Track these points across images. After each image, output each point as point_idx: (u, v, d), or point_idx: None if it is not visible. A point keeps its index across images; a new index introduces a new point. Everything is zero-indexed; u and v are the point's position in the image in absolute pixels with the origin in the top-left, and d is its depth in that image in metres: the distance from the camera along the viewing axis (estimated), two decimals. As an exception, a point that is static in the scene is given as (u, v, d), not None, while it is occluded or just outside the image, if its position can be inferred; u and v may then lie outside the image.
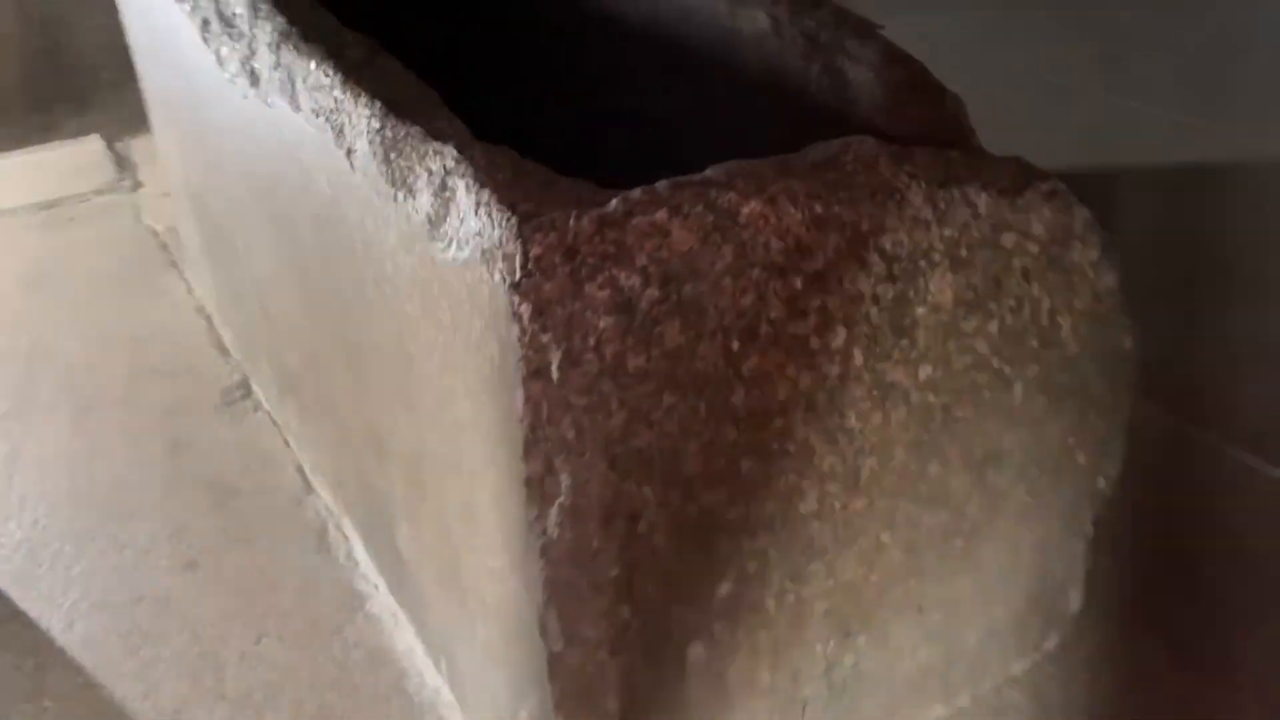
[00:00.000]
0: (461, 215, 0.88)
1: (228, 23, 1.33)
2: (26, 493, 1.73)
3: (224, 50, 1.34)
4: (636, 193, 0.85)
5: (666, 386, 0.87)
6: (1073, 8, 3.88)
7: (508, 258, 0.82)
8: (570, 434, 0.86)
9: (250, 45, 1.28)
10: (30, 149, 2.85)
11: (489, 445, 0.92)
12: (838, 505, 1.08)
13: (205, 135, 1.67)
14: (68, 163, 2.77)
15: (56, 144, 2.85)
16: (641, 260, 0.82)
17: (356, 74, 1.10)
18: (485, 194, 0.89)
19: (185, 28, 1.45)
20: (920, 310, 1.00)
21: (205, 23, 1.39)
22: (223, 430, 1.84)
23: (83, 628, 1.48)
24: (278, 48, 1.20)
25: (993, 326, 1.07)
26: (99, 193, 2.64)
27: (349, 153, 1.05)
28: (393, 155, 0.99)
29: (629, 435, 0.87)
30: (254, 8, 1.29)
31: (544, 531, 0.92)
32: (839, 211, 0.88)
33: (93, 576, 1.56)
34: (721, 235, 0.85)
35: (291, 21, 1.22)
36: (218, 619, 1.48)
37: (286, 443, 1.80)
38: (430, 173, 0.96)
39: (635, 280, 0.81)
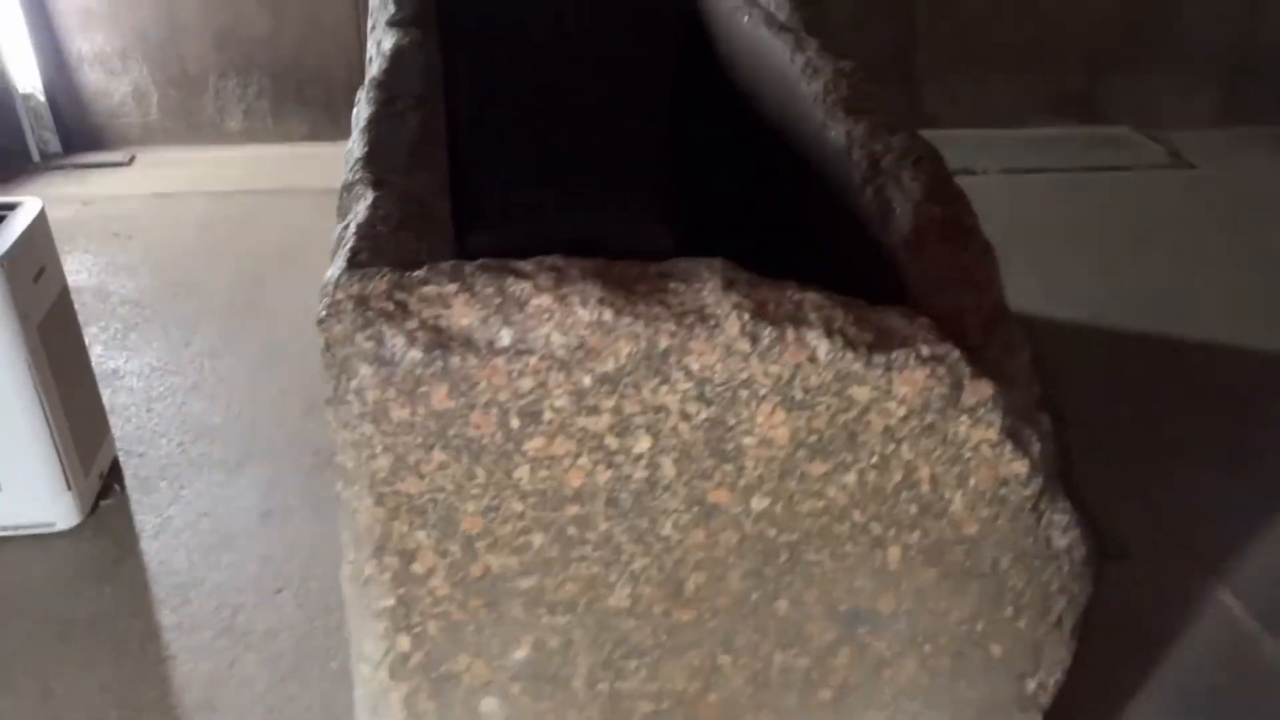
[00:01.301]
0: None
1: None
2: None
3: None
4: (450, 265, 0.93)
5: (436, 444, 0.94)
6: None
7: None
8: (347, 462, 0.96)
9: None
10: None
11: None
12: (656, 610, 1.09)
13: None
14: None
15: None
16: (413, 324, 0.90)
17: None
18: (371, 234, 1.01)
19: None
20: (747, 440, 0.99)
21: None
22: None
23: None
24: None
25: (849, 478, 1.04)
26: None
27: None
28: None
29: (395, 479, 0.96)
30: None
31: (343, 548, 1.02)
32: (631, 323, 0.91)
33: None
34: (503, 320, 0.91)
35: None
36: None
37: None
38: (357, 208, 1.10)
39: (400, 340, 0.90)
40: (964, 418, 1.02)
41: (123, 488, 2.04)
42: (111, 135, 3.70)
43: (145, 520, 1.97)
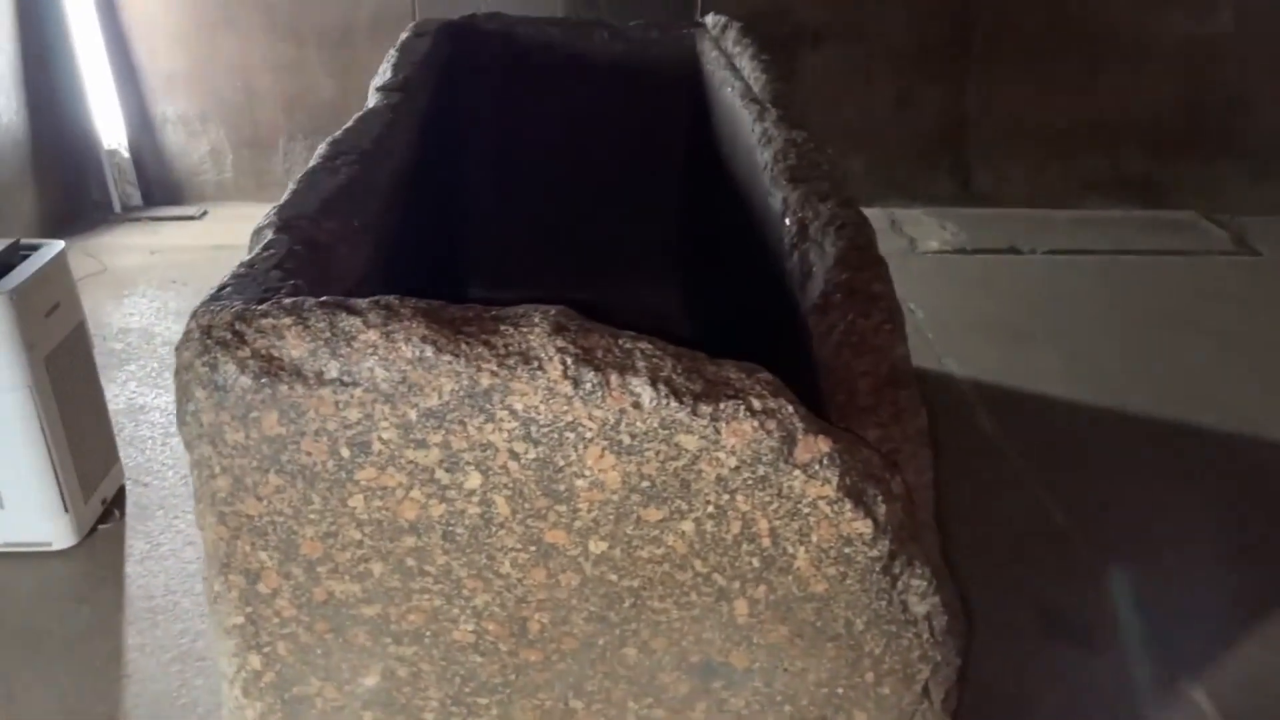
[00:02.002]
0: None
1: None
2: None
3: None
4: (291, 301, 1.00)
5: (271, 468, 1.00)
6: None
7: (188, 326, 1.01)
8: (194, 482, 1.02)
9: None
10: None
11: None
12: (503, 648, 1.12)
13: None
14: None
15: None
16: (245, 353, 0.96)
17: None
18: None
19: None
20: (579, 482, 1.02)
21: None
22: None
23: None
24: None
25: (686, 526, 1.05)
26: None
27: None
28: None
29: (235, 499, 1.01)
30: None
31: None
32: (452, 361, 0.96)
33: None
34: (331, 352, 0.97)
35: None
36: None
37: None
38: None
39: (232, 367, 0.96)
40: (798, 472, 1.03)
41: (122, 514, 2.16)
42: (189, 191, 3.96)
43: (135, 545, 2.08)
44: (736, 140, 1.98)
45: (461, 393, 0.97)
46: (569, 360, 0.98)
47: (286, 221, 1.23)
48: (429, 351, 0.96)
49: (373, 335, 0.97)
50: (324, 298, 1.00)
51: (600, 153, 2.66)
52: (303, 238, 1.22)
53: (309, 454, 1.00)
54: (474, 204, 2.70)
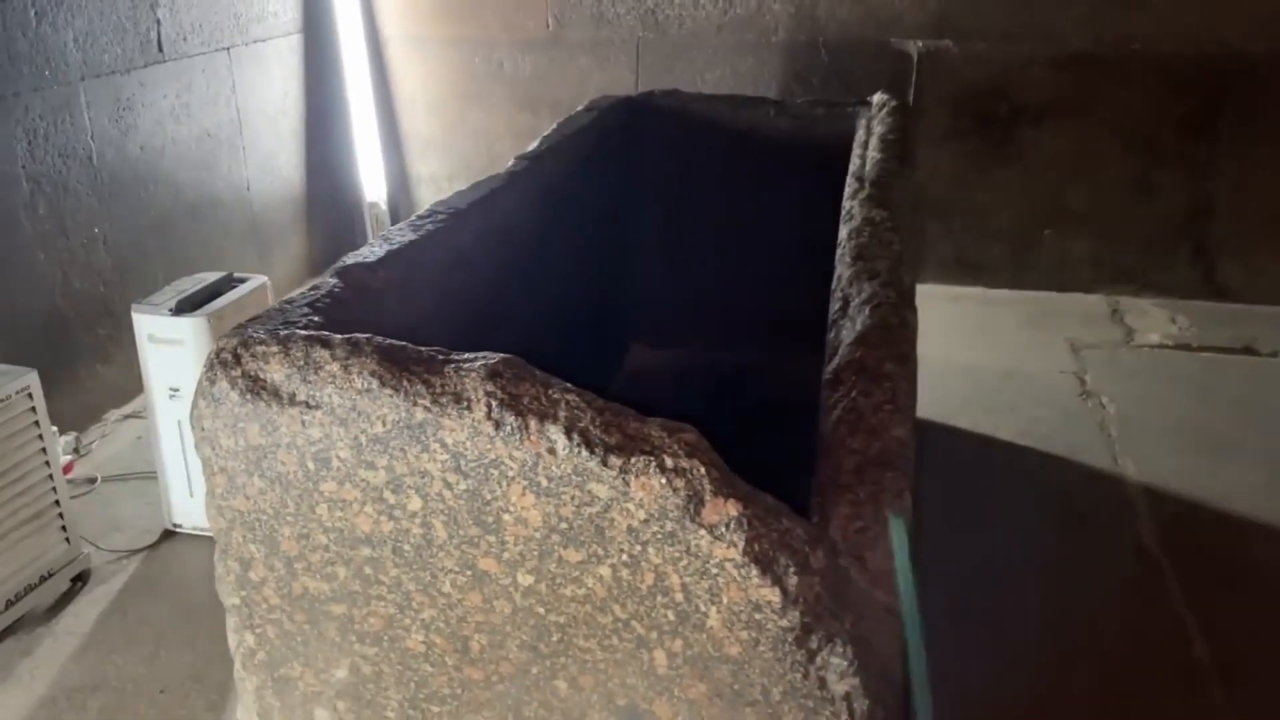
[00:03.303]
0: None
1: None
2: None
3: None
4: (285, 334, 1.18)
5: (255, 472, 1.18)
6: None
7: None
8: (204, 479, 1.23)
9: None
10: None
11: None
12: (449, 661, 1.23)
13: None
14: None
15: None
16: (237, 373, 1.15)
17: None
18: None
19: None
20: (506, 516, 1.13)
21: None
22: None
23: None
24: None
25: (604, 571, 1.13)
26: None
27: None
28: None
29: (229, 495, 1.20)
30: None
31: (220, 549, 1.29)
32: (392, 395, 1.10)
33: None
34: (301, 378, 1.14)
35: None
36: None
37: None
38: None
39: (225, 384, 1.15)
40: (704, 532, 1.07)
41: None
42: (435, 242, 4.41)
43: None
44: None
45: (401, 423, 1.11)
46: (494, 403, 1.09)
47: (345, 268, 1.43)
48: (375, 384, 1.11)
49: (335, 367, 1.12)
50: (308, 333, 1.17)
51: (761, 224, 2.74)
52: (352, 282, 1.41)
53: (283, 463, 1.17)
54: (641, 269, 2.86)
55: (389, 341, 1.15)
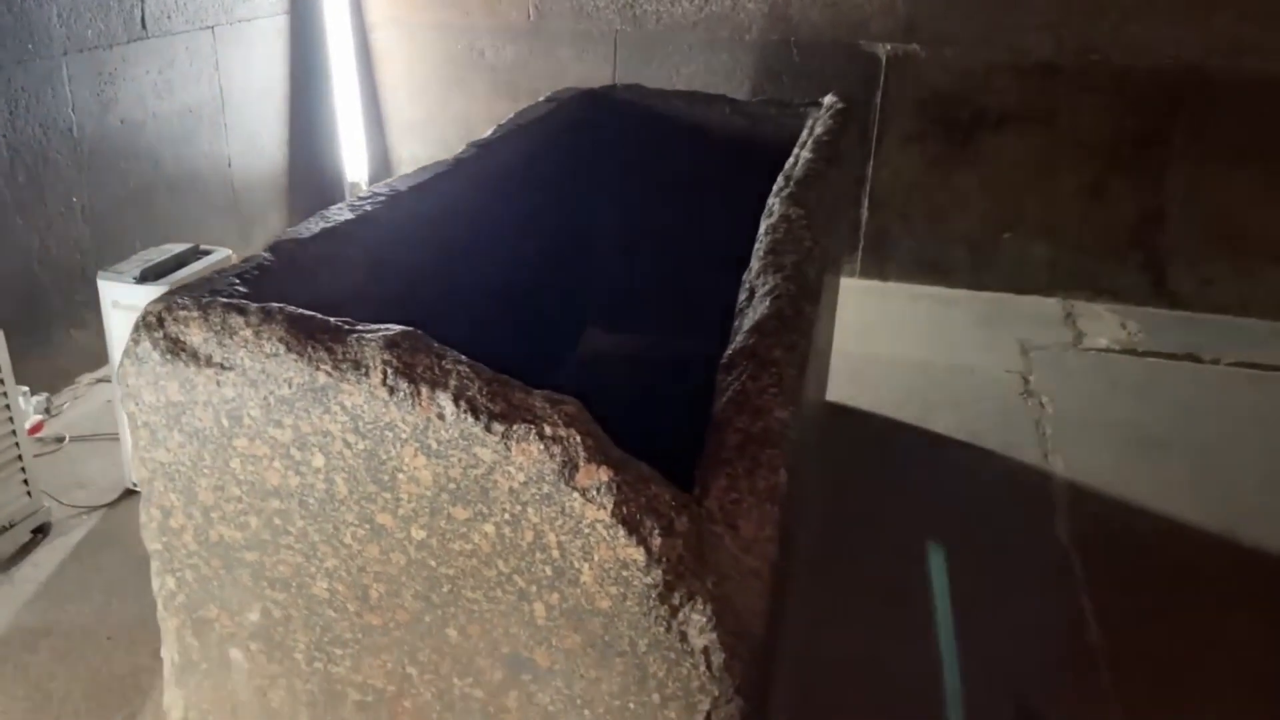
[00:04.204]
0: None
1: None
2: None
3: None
4: (207, 299, 1.29)
5: (174, 427, 1.29)
6: None
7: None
8: (126, 432, 1.33)
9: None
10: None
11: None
12: (351, 608, 1.34)
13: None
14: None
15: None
16: (159, 334, 1.26)
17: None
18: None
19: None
20: (400, 475, 1.23)
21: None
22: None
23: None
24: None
25: (488, 528, 1.23)
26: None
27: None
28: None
29: (153, 448, 1.31)
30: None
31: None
32: (297, 360, 1.20)
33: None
34: (218, 342, 1.24)
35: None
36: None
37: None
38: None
39: (148, 344, 1.26)
40: (577, 495, 1.18)
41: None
42: (414, 223, 4.51)
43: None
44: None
45: (305, 386, 1.21)
46: (390, 371, 1.19)
47: (279, 243, 1.53)
48: (282, 349, 1.21)
49: (248, 332, 1.23)
50: (227, 300, 1.28)
51: (713, 214, 2.84)
52: (284, 256, 1.52)
53: (200, 419, 1.27)
54: (598, 256, 2.96)
55: (299, 311, 1.25)
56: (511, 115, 2.53)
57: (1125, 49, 3.61)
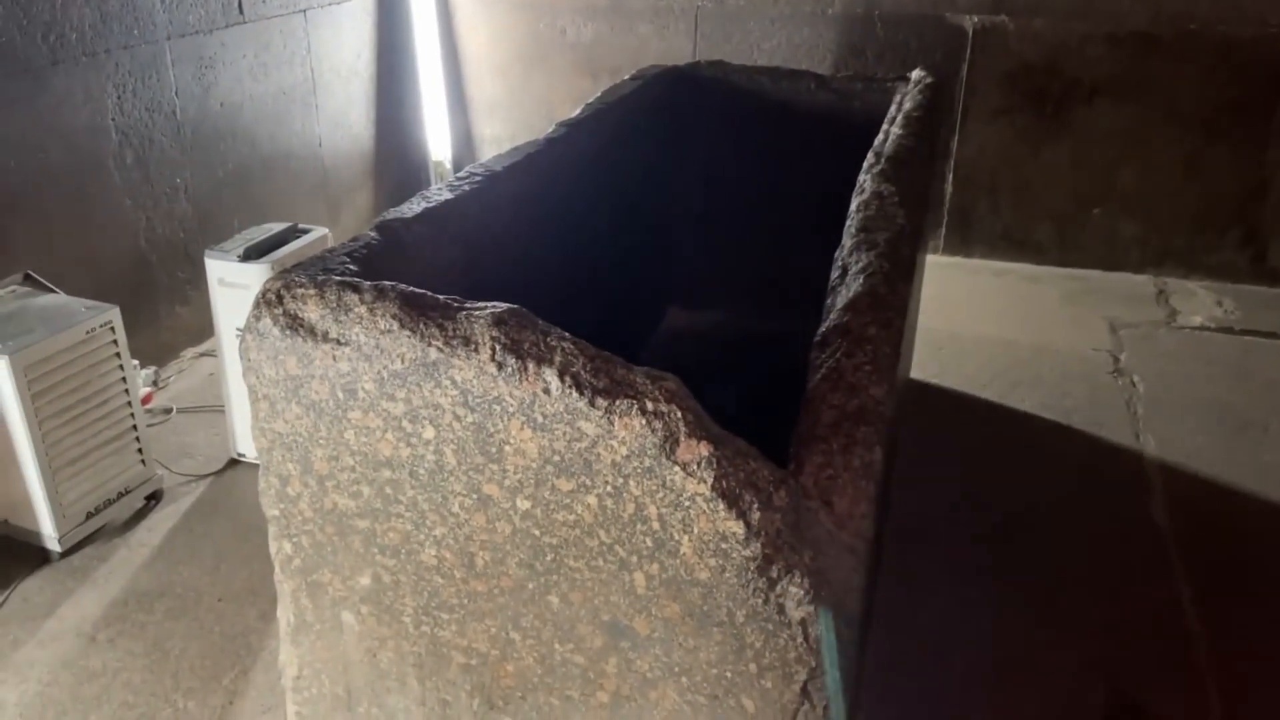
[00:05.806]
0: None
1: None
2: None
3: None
4: (322, 278, 1.34)
5: (293, 399, 1.35)
6: None
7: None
8: (249, 405, 1.40)
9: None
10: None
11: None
12: (457, 575, 1.40)
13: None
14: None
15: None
16: (279, 311, 1.31)
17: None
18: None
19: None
20: (507, 447, 1.28)
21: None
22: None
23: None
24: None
25: (591, 500, 1.27)
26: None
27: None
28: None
29: (271, 419, 1.38)
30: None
31: (264, 468, 1.46)
32: (410, 336, 1.26)
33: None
34: (334, 318, 1.30)
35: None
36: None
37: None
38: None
39: (268, 320, 1.32)
40: (678, 469, 1.21)
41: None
42: (497, 201, 4.58)
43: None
44: (864, 190, 2.11)
45: (417, 361, 1.26)
46: (498, 347, 1.24)
47: (384, 223, 1.59)
48: (395, 326, 1.26)
49: (362, 310, 1.28)
50: (342, 279, 1.33)
51: (801, 195, 2.84)
52: (389, 235, 1.57)
53: (317, 392, 1.33)
54: (682, 235, 2.98)
55: (411, 289, 1.30)
56: (595, 94, 2.56)
57: (1224, 18, 3.49)
